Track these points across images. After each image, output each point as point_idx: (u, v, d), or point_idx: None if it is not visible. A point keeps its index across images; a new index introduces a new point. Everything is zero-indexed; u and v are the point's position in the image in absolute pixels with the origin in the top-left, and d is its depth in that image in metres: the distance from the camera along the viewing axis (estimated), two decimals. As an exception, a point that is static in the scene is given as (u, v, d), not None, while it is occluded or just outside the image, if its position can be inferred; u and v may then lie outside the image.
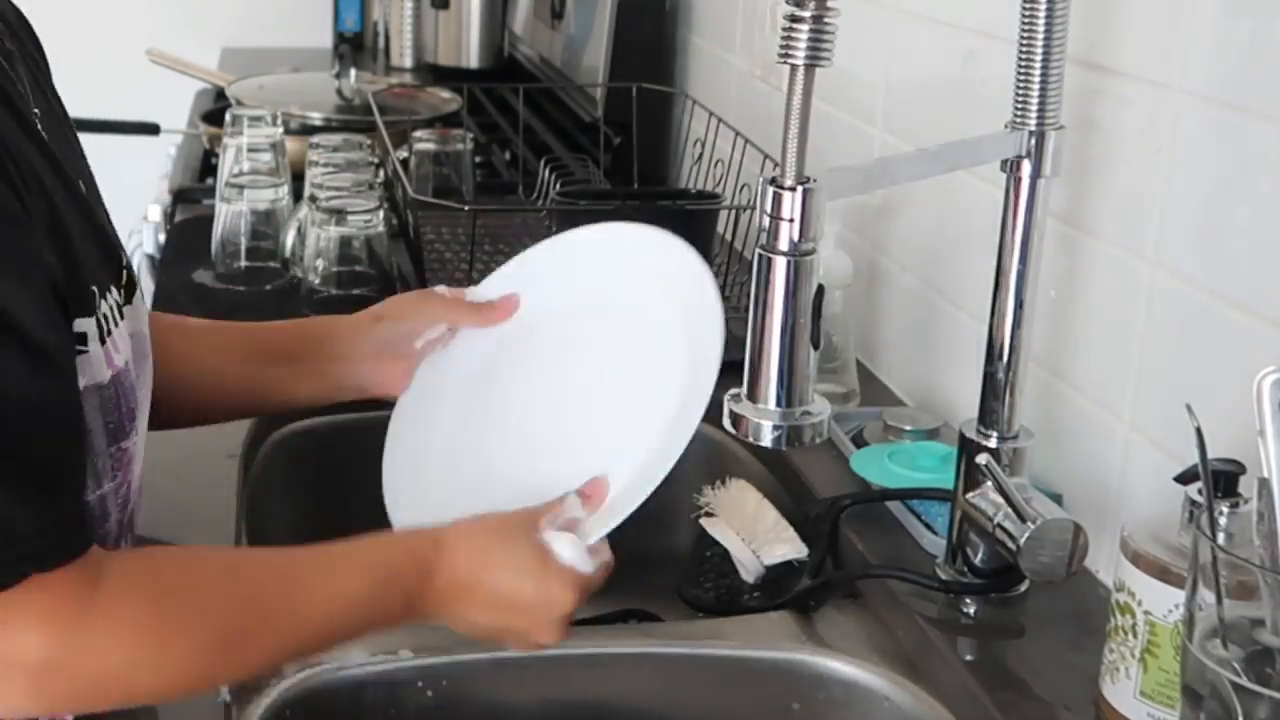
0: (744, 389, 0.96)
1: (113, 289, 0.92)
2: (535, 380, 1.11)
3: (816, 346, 0.95)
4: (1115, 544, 0.97)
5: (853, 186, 1.02)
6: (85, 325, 0.86)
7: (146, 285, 2.17)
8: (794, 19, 0.87)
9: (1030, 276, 1.07)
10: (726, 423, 0.97)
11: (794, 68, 0.88)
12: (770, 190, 0.92)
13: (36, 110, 0.93)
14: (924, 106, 1.46)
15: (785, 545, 1.23)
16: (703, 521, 1.28)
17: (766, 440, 0.96)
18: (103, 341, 0.88)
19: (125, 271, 0.96)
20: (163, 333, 1.06)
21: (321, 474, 1.42)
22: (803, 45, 0.87)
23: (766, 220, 0.92)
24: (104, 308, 0.89)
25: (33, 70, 0.99)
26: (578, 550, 0.95)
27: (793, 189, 0.91)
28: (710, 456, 1.47)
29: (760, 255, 0.93)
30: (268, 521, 1.34)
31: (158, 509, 1.04)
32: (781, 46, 0.88)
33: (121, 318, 0.92)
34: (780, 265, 0.92)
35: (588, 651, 1.12)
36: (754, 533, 1.24)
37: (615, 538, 0.98)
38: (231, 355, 1.17)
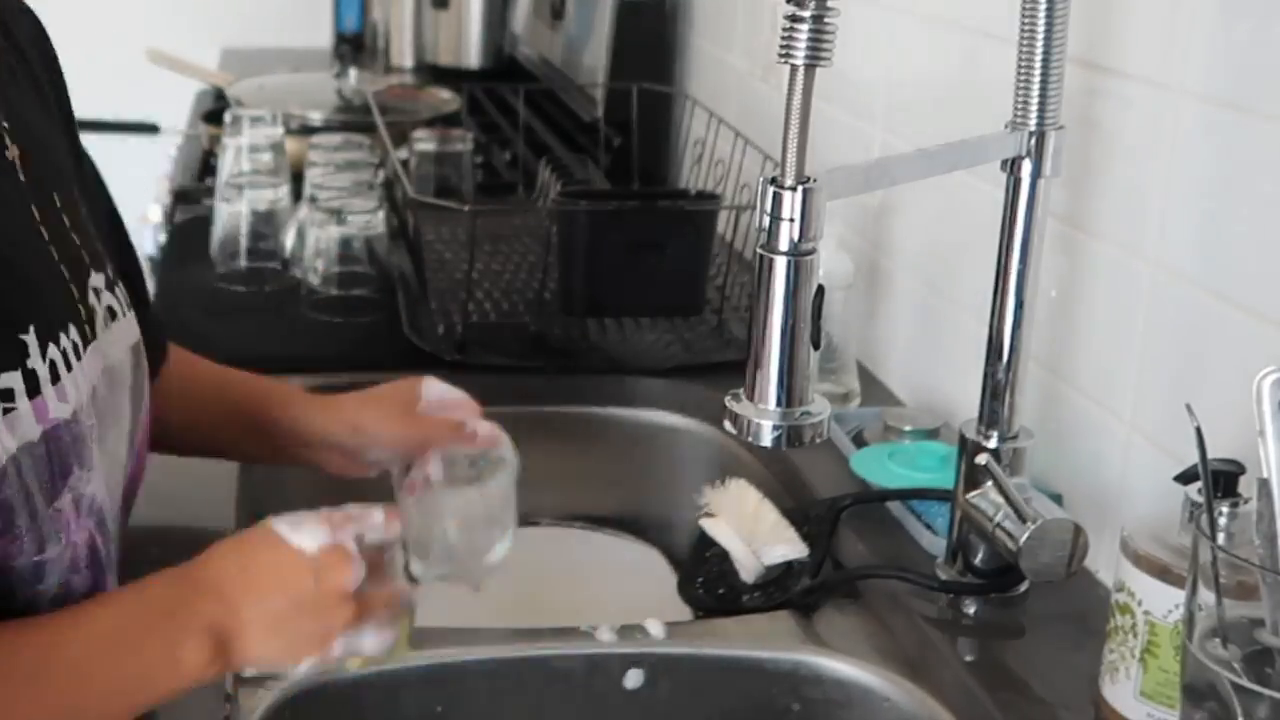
0: (744, 389, 0.96)
1: (71, 327, 0.87)
2: None
3: (816, 346, 0.95)
4: (1115, 544, 0.97)
5: (853, 186, 1.02)
6: (11, 380, 0.80)
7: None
8: (794, 19, 0.87)
9: (1030, 276, 1.07)
10: (727, 423, 0.97)
11: (794, 68, 0.88)
12: (770, 190, 0.92)
13: (5, 124, 0.88)
14: (924, 106, 1.46)
15: (785, 545, 1.23)
16: (702, 521, 1.28)
17: (766, 440, 0.96)
18: (34, 394, 0.81)
19: (84, 305, 0.90)
20: (173, 374, 1.05)
21: (322, 474, 1.42)
22: (803, 45, 0.87)
23: (766, 220, 0.92)
24: (53, 351, 0.83)
25: (20, 76, 0.95)
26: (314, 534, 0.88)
27: (793, 189, 0.91)
28: (710, 456, 1.47)
29: (760, 255, 0.93)
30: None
31: (158, 509, 1.04)
32: (781, 46, 0.88)
33: (79, 357, 0.87)
34: (780, 265, 0.92)
35: (587, 652, 1.12)
36: (754, 533, 1.24)
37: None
38: (201, 411, 1.14)
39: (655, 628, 1.13)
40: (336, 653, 0.88)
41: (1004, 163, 1.06)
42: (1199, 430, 0.83)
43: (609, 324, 1.60)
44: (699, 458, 1.49)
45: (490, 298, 1.66)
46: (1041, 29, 1.01)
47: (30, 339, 0.82)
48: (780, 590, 1.21)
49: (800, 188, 0.91)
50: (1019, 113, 1.04)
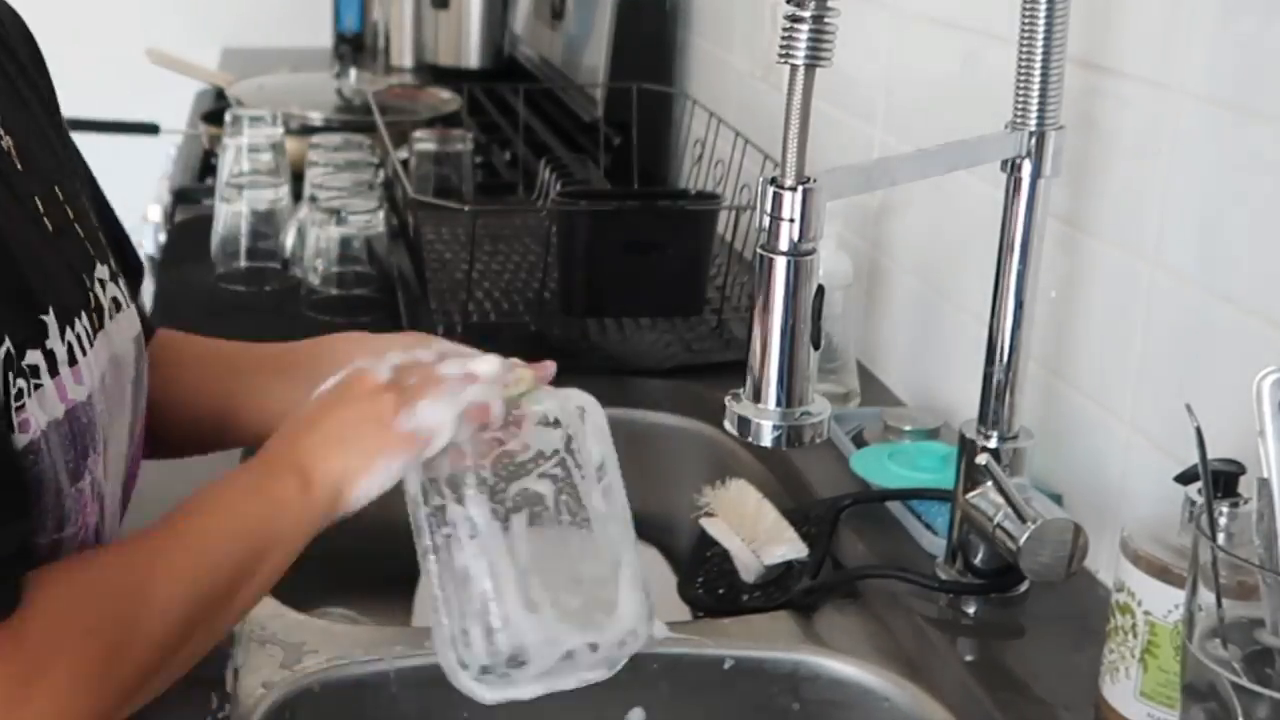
0: (744, 389, 0.96)
1: (83, 314, 0.88)
2: None
3: (816, 346, 0.95)
4: (1115, 544, 0.97)
5: (853, 186, 1.02)
6: (35, 358, 0.81)
7: (146, 286, 2.17)
8: (794, 19, 0.87)
9: (1030, 276, 1.07)
10: (727, 423, 0.97)
11: (794, 68, 0.88)
12: (770, 190, 0.92)
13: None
14: (924, 106, 1.46)
15: (785, 545, 1.22)
16: (702, 521, 1.28)
17: (766, 440, 0.96)
18: (54, 373, 0.83)
19: (93, 294, 0.91)
20: (158, 350, 1.03)
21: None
22: (803, 45, 0.87)
23: (766, 220, 0.92)
24: (69, 335, 0.85)
25: (11, 75, 0.95)
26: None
27: (793, 189, 0.91)
28: (710, 456, 1.47)
29: (760, 255, 0.93)
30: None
31: (158, 507, 1.04)
32: (781, 46, 0.88)
33: (91, 344, 0.88)
34: (780, 265, 0.92)
35: (588, 651, 1.12)
36: (754, 533, 1.24)
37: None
38: (214, 369, 1.13)
39: (655, 628, 1.13)
40: (407, 430, 0.92)
41: (1004, 163, 1.06)
42: (1199, 430, 0.83)
43: (609, 324, 1.60)
44: (699, 458, 1.49)
45: (490, 298, 1.66)
46: (1041, 29, 1.01)
47: (50, 320, 0.84)
48: (780, 590, 1.21)
49: (800, 188, 0.91)
50: (1019, 113, 1.04)
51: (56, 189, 0.93)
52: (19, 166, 0.89)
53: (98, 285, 0.93)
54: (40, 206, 0.90)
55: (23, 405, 0.80)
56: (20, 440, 0.80)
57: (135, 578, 0.84)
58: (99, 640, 0.80)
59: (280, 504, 0.90)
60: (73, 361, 0.85)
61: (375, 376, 0.95)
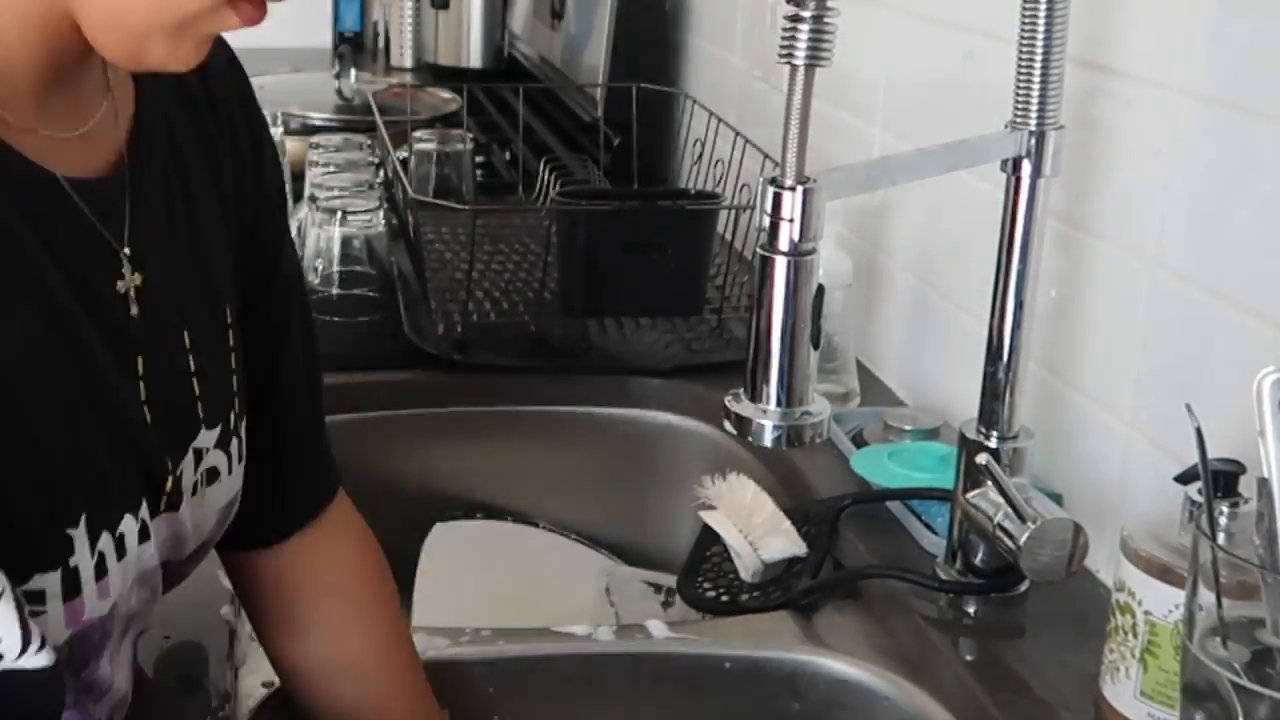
0: (744, 389, 0.96)
1: (143, 505, 0.76)
2: None
3: (816, 346, 0.95)
4: (1115, 544, 0.97)
5: (853, 186, 1.02)
6: (44, 581, 0.70)
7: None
8: (794, 19, 0.87)
9: (1030, 276, 1.07)
10: (726, 423, 0.97)
11: (794, 68, 0.88)
12: (770, 190, 0.92)
13: (126, 250, 0.75)
14: (924, 106, 1.46)
15: (782, 538, 1.22)
16: (701, 514, 1.28)
17: (766, 440, 0.96)
18: (71, 595, 0.72)
19: (171, 478, 0.78)
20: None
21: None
22: (803, 45, 0.87)
23: (766, 220, 0.92)
24: (104, 543, 0.73)
25: (192, 179, 0.81)
26: None
27: (793, 189, 0.91)
28: (710, 457, 1.47)
29: (760, 255, 0.93)
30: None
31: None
32: (781, 46, 0.88)
33: (141, 539, 0.76)
34: (780, 265, 0.92)
35: (587, 652, 1.12)
36: (750, 523, 1.24)
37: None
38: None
39: (655, 628, 1.14)
40: None
41: (1004, 163, 1.06)
42: (1199, 430, 0.83)
43: (609, 324, 1.59)
44: (699, 458, 1.49)
45: (490, 298, 1.65)
46: (1041, 29, 1.01)
47: (79, 532, 0.72)
48: (780, 590, 1.21)
49: (800, 188, 0.91)
50: (1019, 113, 1.04)
51: (186, 334, 0.80)
52: (133, 312, 0.76)
53: (189, 457, 0.81)
54: (141, 368, 0.77)
55: None
56: None
57: None
58: None
59: None
60: (101, 574, 0.74)
61: None
